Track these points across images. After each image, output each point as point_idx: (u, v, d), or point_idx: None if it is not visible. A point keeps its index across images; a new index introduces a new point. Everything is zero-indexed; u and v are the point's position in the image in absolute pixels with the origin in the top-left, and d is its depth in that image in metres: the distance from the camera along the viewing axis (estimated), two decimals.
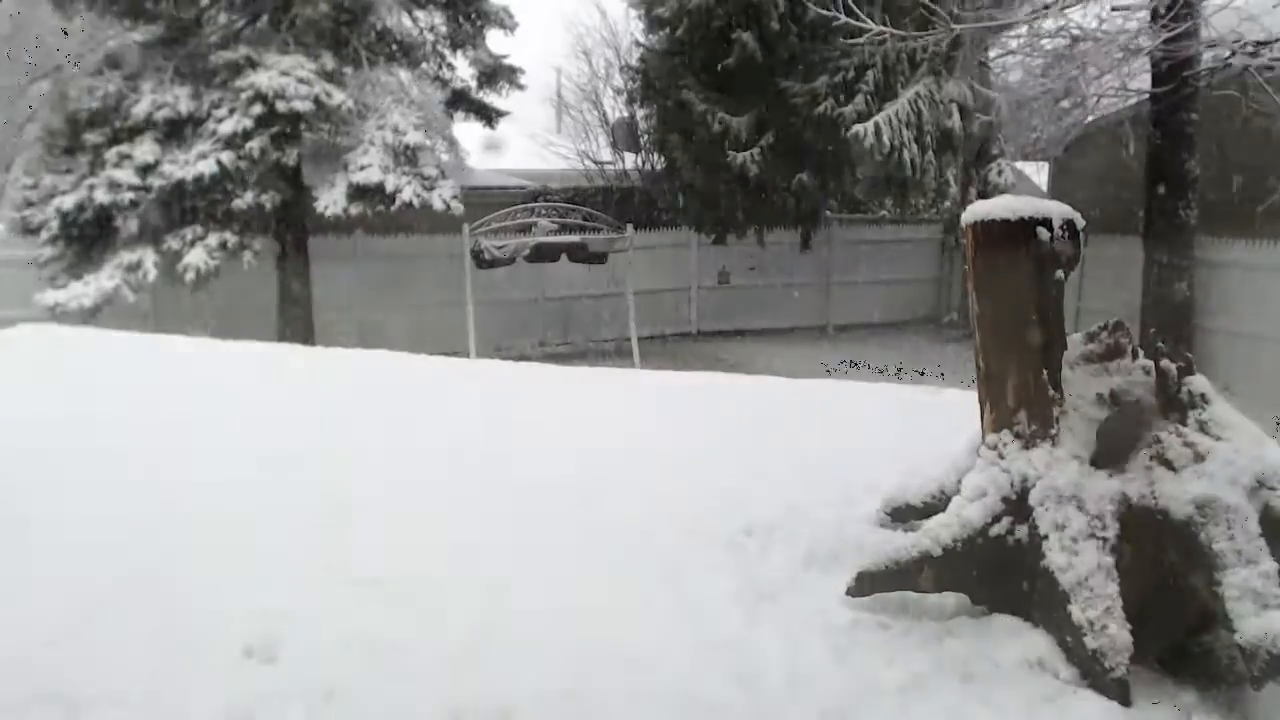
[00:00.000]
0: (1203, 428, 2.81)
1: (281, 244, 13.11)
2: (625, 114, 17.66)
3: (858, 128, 10.30)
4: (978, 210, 3.01)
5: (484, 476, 4.10)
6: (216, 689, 2.40)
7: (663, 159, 14.22)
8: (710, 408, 5.69)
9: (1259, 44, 7.61)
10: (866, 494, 3.67)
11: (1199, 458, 2.71)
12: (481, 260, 13.27)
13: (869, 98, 11.04)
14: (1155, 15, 8.79)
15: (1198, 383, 2.90)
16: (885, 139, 10.22)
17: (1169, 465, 2.76)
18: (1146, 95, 11.01)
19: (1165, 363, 3.00)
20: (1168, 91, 10.45)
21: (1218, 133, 11.13)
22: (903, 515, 3.55)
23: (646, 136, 14.45)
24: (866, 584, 2.93)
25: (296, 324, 13.02)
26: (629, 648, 2.64)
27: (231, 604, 2.81)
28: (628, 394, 6.18)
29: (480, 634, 2.69)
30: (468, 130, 15.92)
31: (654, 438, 4.88)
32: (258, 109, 11.36)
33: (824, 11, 8.51)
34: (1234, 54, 8.33)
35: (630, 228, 14.01)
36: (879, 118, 10.34)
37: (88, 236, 11.42)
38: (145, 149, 11.40)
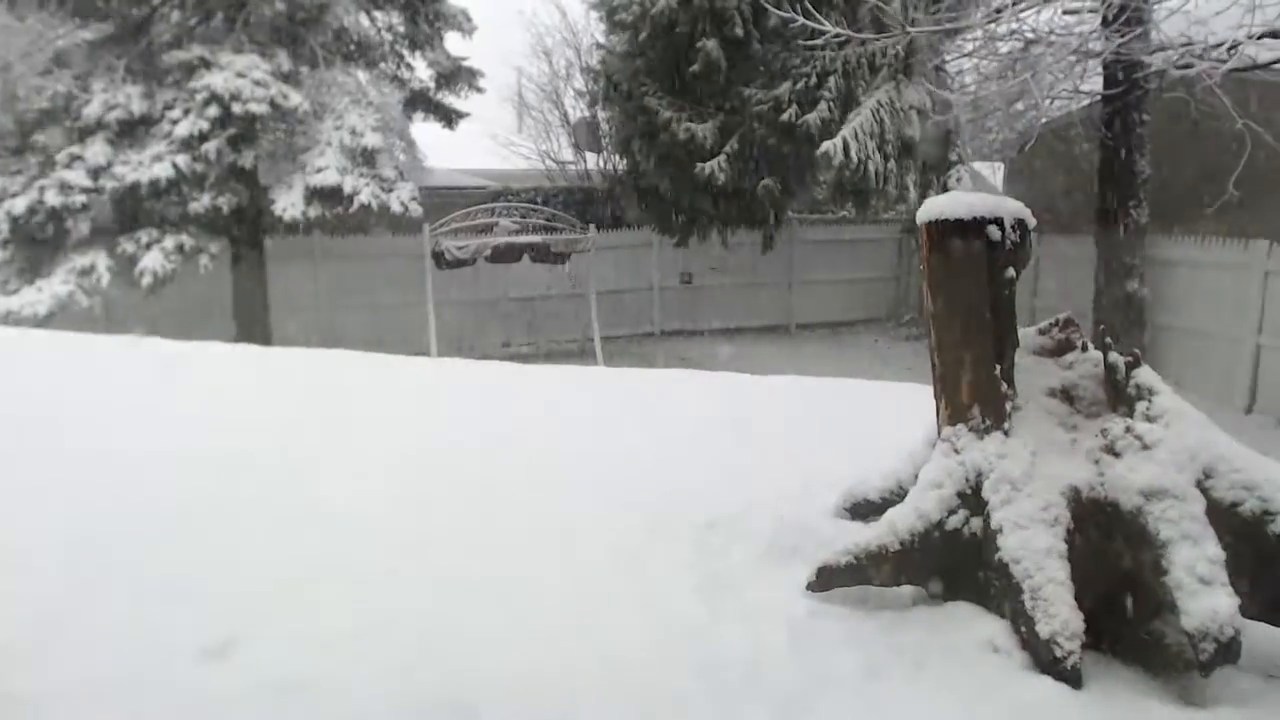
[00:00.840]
0: (1150, 419, 2.88)
1: (237, 245, 12.94)
2: (587, 114, 17.65)
3: (827, 145, 10.41)
4: (932, 208, 3.05)
5: (447, 475, 4.09)
6: (177, 686, 2.38)
7: (625, 161, 14.23)
8: (672, 404, 5.72)
9: (1209, 47, 7.80)
10: (826, 488, 3.71)
11: (1146, 448, 2.78)
12: (443, 261, 13.20)
13: (831, 104, 11.13)
14: (1106, 21, 8.97)
15: (1145, 376, 2.97)
16: (853, 154, 10.35)
17: (1117, 456, 2.83)
18: (1099, 97, 11.25)
19: (1113, 356, 3.08)
20: (1119, 93, 10.69)
21: (1168, 133, 11.40)
22: (861, 511, 3.60)
23: (609, 139, 14.44)
24: (826, 579, 2.97)
25: (253, 326, 12.87)
26: (593, 640, 2.66)
27: (192, 604, 2.78)
28: (592, 391, 6.19)
29: (443, 627, 2.69)
30: (428, 129, 15.87)
31: (617, 434, 4.90)
32: (213, 110, 11.21)
33: (783, 14, 8.59)
34: (1183, 57, 8.53)
35: (592, 228, 14.02)
36: (845, 132, 10.45)
37: (39, 240, 11.18)
38: (97, 150, 11.21)
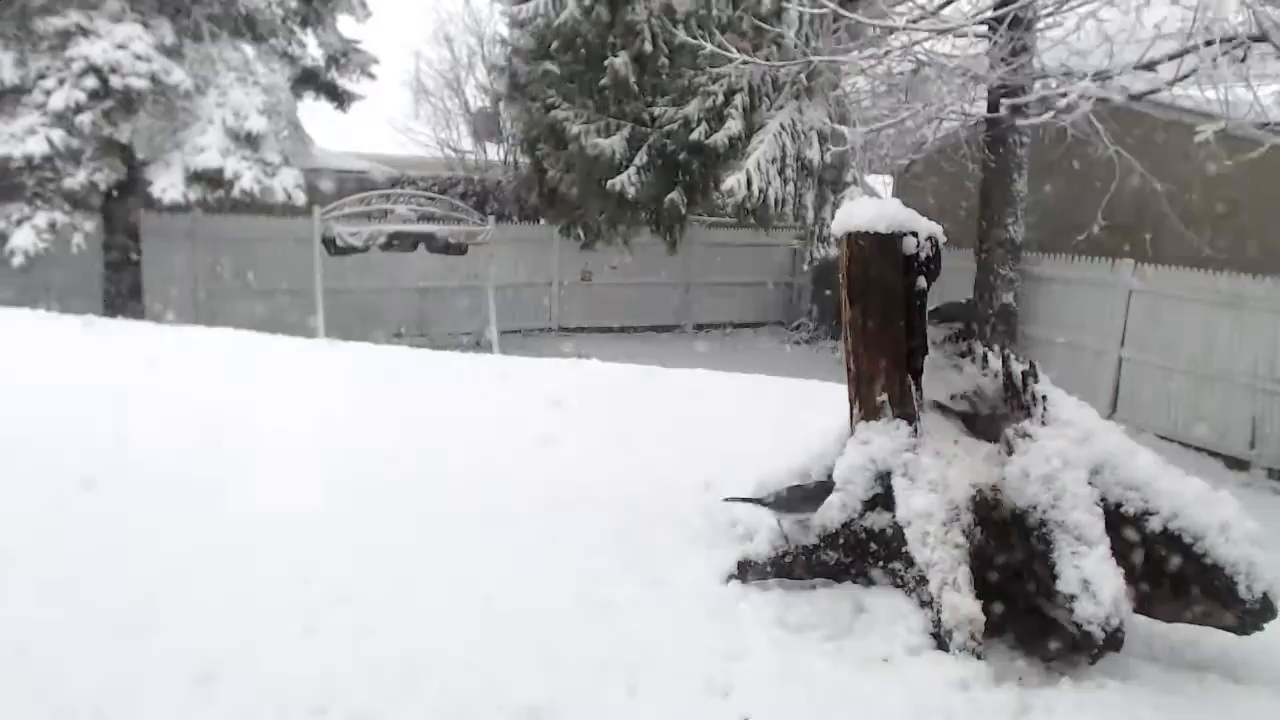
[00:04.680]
0: (1045, 423, 3.09)
1: (111, 223, 12.26)
2: (489, 107, 17.43)
3: (731, 182, 10.68)
4: (852, 220, 3.18)
5: (374, 467, 4.02)
6: (99, 669, 2.35)
7: (529, 160, 14.10)
8: (585, 395, 5.76)
9: (1093, 75, 8.31)
10: (742, 476, 3.83)
11: (1043, 450, 2.99)
12: (334, 247, 12.82)
13: (738, 123, 11.35)
14: (992, 53, 9.44)
15: (1041, 384, 3.19)
16: (755, 186, 10.62)
17: (1015, 456, 3.03)
18: (983, 119, 11.83)
19: (1013, 364, 3.29)
20: (1001, 117, 11.27)
21: (1046, 156, 12.10)
22: (775, 505, 3.72)
23: (512, 137, 14.27)
24: (748, 572, 3.09)
25: (125, 309, 12.19)
26: (527, 618, 2.76)
27: (111, 583, 2.76)
28: (502, 380, 6.20)
29: (392, 605, 2.76)
30: (319, 109, 15.35)
31: (528, 422, 4.92)
32: (90, 82, 10.60)
33: (692, 40, 8.78)
34: (1059, 86, 9.06)
35: (491, 220, 13.89)
36: (749, 164, 10.69)
37: None
38: None
